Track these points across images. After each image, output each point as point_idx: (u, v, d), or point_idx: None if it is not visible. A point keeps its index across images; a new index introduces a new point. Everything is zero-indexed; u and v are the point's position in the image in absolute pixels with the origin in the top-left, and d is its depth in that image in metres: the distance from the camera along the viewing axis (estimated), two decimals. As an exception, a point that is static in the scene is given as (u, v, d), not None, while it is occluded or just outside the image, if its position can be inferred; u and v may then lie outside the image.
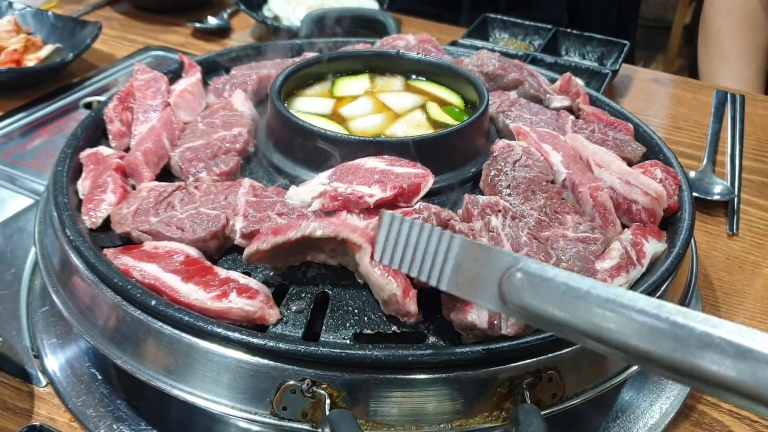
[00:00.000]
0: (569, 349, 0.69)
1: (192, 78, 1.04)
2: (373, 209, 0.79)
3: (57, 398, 0.81)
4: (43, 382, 0.83)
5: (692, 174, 1.28)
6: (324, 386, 0.65)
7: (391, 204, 0.79)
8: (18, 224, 1.08)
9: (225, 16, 1.79)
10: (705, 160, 1.34)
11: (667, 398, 0.85)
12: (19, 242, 1.04)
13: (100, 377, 0.83)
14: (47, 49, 1.49)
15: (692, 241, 0.95)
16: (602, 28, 1.83)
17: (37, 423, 0.71)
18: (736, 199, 1.24)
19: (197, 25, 1.73)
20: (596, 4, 2.41)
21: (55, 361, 0.85)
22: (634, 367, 0.75)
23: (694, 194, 1.21)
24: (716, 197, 1.22)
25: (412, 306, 0.68)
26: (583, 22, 2.23)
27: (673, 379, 0.50)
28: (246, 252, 0.73)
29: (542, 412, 0.67)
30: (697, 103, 1.58)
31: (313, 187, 0.80)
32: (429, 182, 0.80)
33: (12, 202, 1.15)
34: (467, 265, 0.61)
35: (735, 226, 1.18)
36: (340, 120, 0.96)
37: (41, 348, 0.87)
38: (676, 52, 3.87)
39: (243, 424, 0.76)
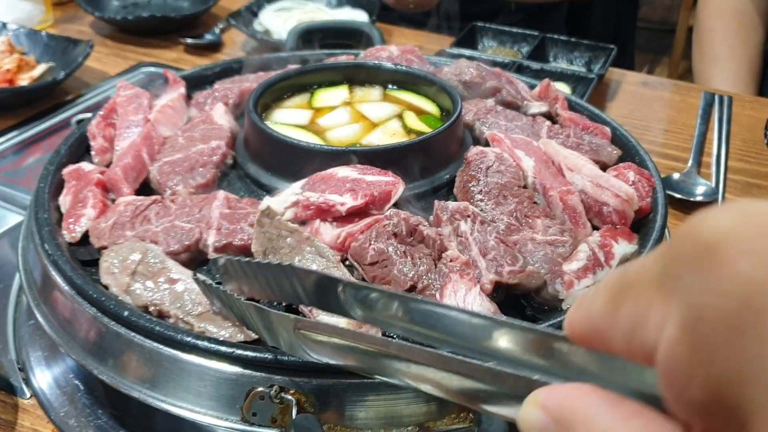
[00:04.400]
0: (536, 350, 0.70)
1: (173, 93, 1.06)
2: (346, 217, 0.80)
3: (41, 410, 0.83)
4: (28, 394, 0.85)
5: (677, 176, 1.29)
6: (292, 392, 0.66)
7: (362, 211, 0.80)
8: (7, 241, 1.10)
9: (217, 31, 1.81)
10: (690, 162, 1.35)
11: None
12: (7, 258, 1.06)
13: (82, 388, 0.84)
14: (40, 69, 1.52)
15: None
16: (601, 34, 1.84)
17: (17, 434, 0.73)
18: (720, 199, 1.24)
19: (189, 41, 1.75)
20: (595, 12, 2.42)
21: (39, 373, 0.87)
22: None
23: (678, 195, 1.23)
24: (699, 198, 1.23)
25: None
26: (582, 29, 2.24)
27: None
28: None
29: (510, 414, 0.68)
30: (685, 105, 1.59)
31: (286, 197, 0.82)
32: (399, 189, 0.81)
33: (5, 220, 1.17)
34: None
35: (718, 227, 1.18)
36: (318, 131, 0.98)
37: (26, 361, 0.88)
38: (681, 55, 3.87)
39: (218, 431, 0.78)
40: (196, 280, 0.66)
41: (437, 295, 0.71)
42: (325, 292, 0.56)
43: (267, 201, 0.83)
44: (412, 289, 0.73)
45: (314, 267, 0.72)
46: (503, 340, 0.40)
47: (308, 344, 0.54)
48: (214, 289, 0.64)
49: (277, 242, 0.74)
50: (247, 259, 0.63)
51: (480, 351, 0.41)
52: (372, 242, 0.75)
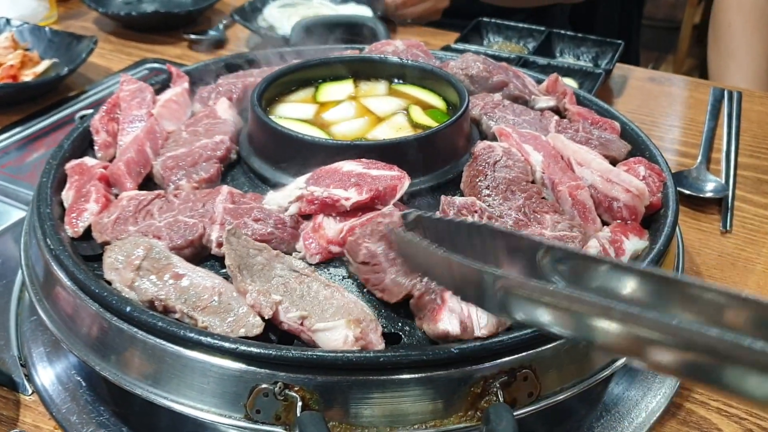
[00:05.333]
0: (546, 347, 0.69)
1: (178, 88, 1.05)
2: (350, 212, 0.79)
3: (42, 406, 0.82)
4: (30, 390, 0.84)
5: (686, 172, 1.27)
6: (296, 389, 0.65)
7: (367, 206, 0.79)
8: (10, 236, 1.09)
9: (221, 27, 1.80)
10: (699, 158, 1.33)
11: (654, 396, 0.85)
12: (10, 254, 1.05)
13: (84, 385, 0.83)
14: (44, 65, 1.51)
15: (679, 238, 0.94)
16: (605, 32, 1.82)
17: (17, 430, 0.72)
18: (729, 195, 1.23)
19: (192, 37, 1.74)
20: (599, 10, 2.40)
21: (41, 369, 0.86)
22: (616, 364, 0.75)
23: (687, 192, 1.21)
24: (709, 194, 1.21)
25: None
26: (586, 28, 2.22)
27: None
28: None
29: (518, 411, 0.67)
30: (694, 101, 1.57)
31: (290, 192, 0.80)
32: (405, 184, 0.80)
33: (8, 216, 1.16)
34: None
35: (728, 223, 1.17)
36: (323, 125, 0.96)
37: (29, 357, 0.87)
38: (686, 52, 3.84)
39: (221, 428, 0.77)
40: (393, 232, 0.64)
41: (437, 300, 0.69)
42: (521, 254, 0.52)
43: (270, 195, 0.82)
44: (408, 297, 0.71)
45: (290, 280, 0.71)
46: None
47: (511, 303, 0.49)
48: (410, 240, 0.59)
49: (248, 259, 0.72)
50: (440, 216, 0.62)
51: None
52: (366, 240, 0.73)
